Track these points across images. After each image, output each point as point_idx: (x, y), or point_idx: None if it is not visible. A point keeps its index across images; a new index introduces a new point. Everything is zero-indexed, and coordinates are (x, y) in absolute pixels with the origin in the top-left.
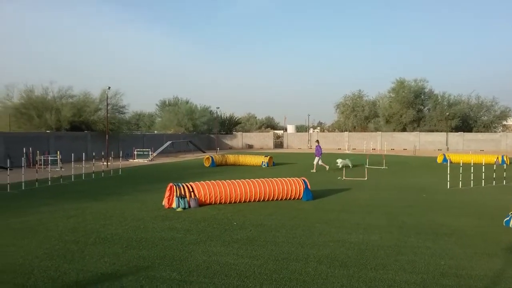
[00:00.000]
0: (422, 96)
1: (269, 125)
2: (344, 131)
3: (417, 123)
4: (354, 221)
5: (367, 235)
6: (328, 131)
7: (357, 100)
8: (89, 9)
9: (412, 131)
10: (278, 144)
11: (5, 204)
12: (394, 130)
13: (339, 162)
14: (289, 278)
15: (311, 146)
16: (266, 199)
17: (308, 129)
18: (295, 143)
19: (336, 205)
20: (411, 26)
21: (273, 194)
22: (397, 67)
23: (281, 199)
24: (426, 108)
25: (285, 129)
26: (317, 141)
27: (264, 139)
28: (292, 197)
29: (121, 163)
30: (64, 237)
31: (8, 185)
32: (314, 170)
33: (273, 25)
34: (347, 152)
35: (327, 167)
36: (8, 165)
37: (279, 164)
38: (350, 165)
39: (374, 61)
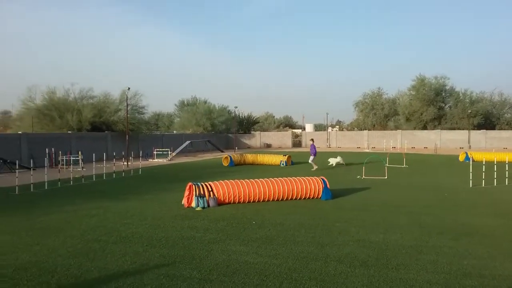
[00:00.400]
0: (443, 94)
1: (287, 124)
2: (363, 130)
3: (438, 121)
4: (374, 220)
5: (387, 234)
6: (347, 129)
7: (377, 98)
8: (109, 10)
9: (433, 129)
10: (297, 143)
11: (29, 204)
12: (414, 128)
13: (331, 160)
14: (309, 277)
15: (329, 145)
16: (284, 199)
17: (327, 128)
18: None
19: (356, 204)
20: (431, 21)
21: (292, 194)
22: (417, 64)
23: (300, 199)
24: (447, 106)
25: (304, 128)
26: (312, 140)
27: (283, 138)
28: (311, 196)
29: (141, 163)
30: (86, 235)
31: (32, 185)
32: (314, 169)
33: (292, 24)
34: (367, 150)
35: (316, 167)
36: (32, 165)
37: (298, 163)
38: (343, 163)
39: (393, 58)
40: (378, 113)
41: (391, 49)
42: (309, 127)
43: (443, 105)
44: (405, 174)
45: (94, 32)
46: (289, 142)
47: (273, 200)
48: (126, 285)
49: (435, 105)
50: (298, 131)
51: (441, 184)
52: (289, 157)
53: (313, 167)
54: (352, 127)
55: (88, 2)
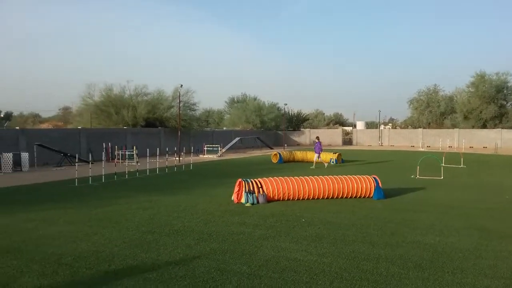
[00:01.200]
0: (505, 91)
1: (338, 121)
2: (418, 128)
3: (499, 119)
4: (429, 221)
5: (443, 237)
6: (401, 127)
7: (432, 95)
8: (160, 9)
9: (493, 128)
10: (347, 141)
11: (88, 196)
12: (473, 127)
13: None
14: (360, 277)
15: (381, 143)
16: (335, 197)
17: (379, 126)
18: (365, 140)
19: (410, 205)
20: (490, 15)
21: (343, 192)
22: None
23: (351, 197)
24: (509, 104)
25: (354, 126)
26: (317, 137)
27: (333, 136)
28: (363, 195)
29: (192, 158)
30: (141, 227)
31: (90, 178)
32: (314, 167)
33: (341, 21)
34: (421, 149)
35: (326, 164)
36: (90, 159)
37: (348, 161)
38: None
39: (450, 54)
40: (434, 110)
41: (448, 44)
42: (360, 125)
43: (505, 103)
44: (463, 174)
45: (147, 30)
46: (339, 140)
47: (322, 198)
48: (178, 277)
49: (495, 102)
50: (349, 128)
51: (502, 186)
52: (339, 155)
53: (324, 165)
54: (406, 125)
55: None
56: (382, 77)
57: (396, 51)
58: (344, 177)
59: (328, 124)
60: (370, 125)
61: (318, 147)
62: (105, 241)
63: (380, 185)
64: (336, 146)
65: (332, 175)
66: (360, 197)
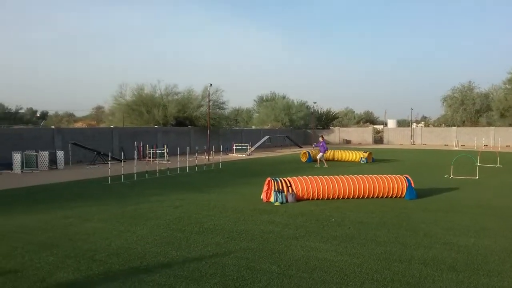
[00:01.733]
0: None
1: (368, 119)
2: (452, 126)
3: None
4: (463, 223)
5: (478, 238)
6: (434, 126)
7: (467, 92)
8: (188, 8)
9: None
10: (378, 139)
11: (120, 193)
12: (510, 125)
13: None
14: (392, 279)
15: (413, 141)
16: (365, 197)
17: (411, 124)
18: (397, 138)
19: (443, 205)
20: None
21: (373, 192)
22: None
23: (382, 197)
24: None
25: (385, 124)
26: (322, 136)
27: (363, 134)
28: (394, 195)
29: (221, 157)
30: (172, 225)
31: (122, 176)
32: (318, 165)
33: (370, 19)
34: (455, 148)
35: (326, 165)
36: (122, 158)
37: (379, 160)
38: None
39: (486, 50)
40: (469, 108)
41: (484, 40)
42: (391, 123)
43: None
44: (499, 174)
45: (176, 30)
46: (369, 139)
47: (353, 197)
48: (208, 275)
49: None
50: (380, 127)
51: None
52: (370, 153)
53: (324, 164)
54: (439, 123)
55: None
56: (415, 74)
57: (429, 47)
58: (375, 177)
59: (358, 123)
60: (401, 124)
61: (323, 146)
62: (137, 238)
63: (412, 184)
64: (366, 145)
65: (363, 175)
66: (391, 197)
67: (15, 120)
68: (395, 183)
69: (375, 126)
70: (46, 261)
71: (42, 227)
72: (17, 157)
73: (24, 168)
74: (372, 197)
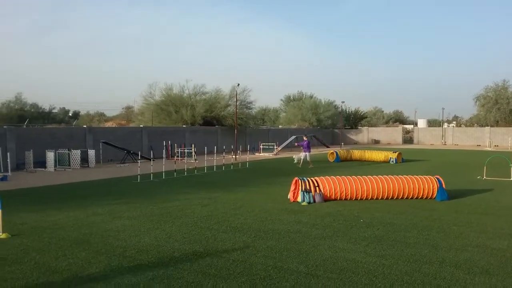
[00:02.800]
0: None
1: (398, 119)
2: (485, 126)
3: None
4: (497, 225)
5: None
6: (466, 126)
7: (501, 91)
8: (218, 9)
9: None
10: (408, 139)
11: (150, 191)
12: None
13: (295, 158)
14: (422, 281)
15: (445, 142)
16: (395, 197)
17: (442, 124)
18: (427, 138)
19: (476, 207)
20: None
21: (403, 192)
22: None
23: (412, 198)
24: None
25: (416, 124)
26: (306, 135)
27: (392, 134)
28: (424, 196)
29: (248, 157)
30: (200, 223)
31: (151, 174)
32: (312, 166)
33: (401, 16)
34: (488, 149)
35: (299, 164)
36: (151, 156)
37: (409, 160)
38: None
39: None
40: (503, 108)
41: None
42: (421, 123)
43: None
44: None
45: (204, 31)
46: (399, 138)
47: (382, 198)
48: (236, 274)
49: None
50: (410, 126)
51: None
52: (399, 154)
53: (298, 164)
54: (472, 123)
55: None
56: (446, 73)
57: (461, 45)
58: (404, 177)
59: (387, 122)
60: (432, 123)
61: (307, 146)
62: (166, 236)
63: (443, 185)
64: (396, 145)
65: (392, 175)
66: (422, 198)
67: (48, 120)
68: (425, 184)
69: (405, 125)
70: (79, 256)
71: (75, 223)
72: (50, 155)
73: (57, 166)
74: (402, 198)
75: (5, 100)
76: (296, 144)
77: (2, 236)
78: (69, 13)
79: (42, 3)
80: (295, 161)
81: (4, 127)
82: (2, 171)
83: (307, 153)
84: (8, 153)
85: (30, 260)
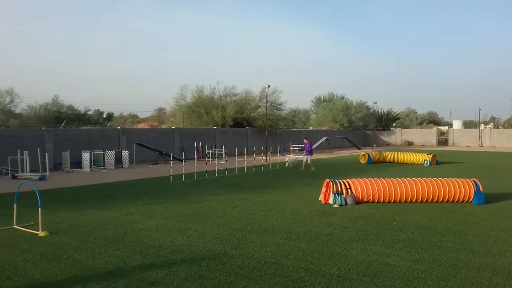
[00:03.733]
0: None
1: (432, 120)
2: None
3: None
4: None
5: None
6: (504, 127)
7: None
8: (249, 10)
9: None
10: (442, 141)
11: (181, 192)
12: None
13: (288, 161)
14: (459, 286)
15: (481, 143)
16: (429, 201)
17: (479, 125)
18: (463, 140)
19: None
20: None
21: (438, 195)
22: None
23: (447, 201)
24: None
25: (450, 125)
26: (305, 138)
27: (426, 136)
28: (460, 200)
29: (278, 158)
30: (231, 224)
31: (183, 175)
32: (313, 168)
33: (435, 14)
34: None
35: (313, 168)
36: (183, 158)
37: (444, 163)
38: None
39: None
40: None
41: None
42: (457, 124)
43: None
44: None
45: (235, 32)
46: (433, 140)
47: (415, 201)
48: (268, 275)
49: None
50: (444, 128)
51: None
52: (433, 156)
53: (311, 168)
54: (510, 124)
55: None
56: (482, 72)
57: (496, 44)
58: (440, 180)
59: (421, 124)
60: (468, 125)
61: (309, 148)
62: (198, 236)
63: (480, 189)
64: (430, 147)
65: (427, 177)
66: (457, 201)
67: (83, 121)
68: (461, 187)
69: (439, 127)
70: (114, 255)
71: (110, 222)
72: (86, 156)
73: (93, 166)
74: (437, 201)
75: (43, 102)
76: (298, 150)
77: (41, 234)
78: (103, 16)
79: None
80: (289, 165)
81: (43, 128)
82: (40, 171)
83: (308, 156)
84: (46, 154)
85: (68, 257)
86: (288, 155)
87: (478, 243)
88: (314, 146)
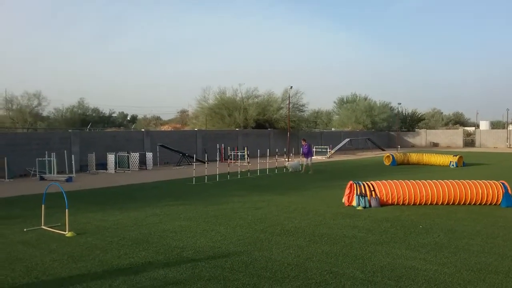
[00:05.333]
0: None
1: (458, 121)
2: None
3: None
4: None
5: None
6: None
7: None
8: (269, 11)
9: None
10: (469, 142)
11: (204, 194)
12: None
13: (288, 166)
14: None
15: (510, 144)
16: (455, 203)
17: (507, 125)
18: (490, 141)
19: None
20: None
21: (465, 198)
22: None
23: (474, 204)
24: None
25: (477, 126)
26: (304, 140)
27: (452, 137)
28: (488, 202)
29: (301, 160)
30: (254, 226)
31: (206, 177)
32: (311, 171)
33: (460, 12)
34: None
35: (303, 171)
36: (206, 159)
37: (470, 164)
38: (301, 169)
39: None
40: None
41: None
42: (484, 125)
43: None
44: None
45: (256, 34)
46: (459, 141)
47: (442, 204)
48: (291, 277)
49: None
50: (471, 129)
51: None
52: (460, 157)
53: (309, 170)
54: None
55: (249, 4)
56: (510, 71)
57: None
58: (466, 182)
59: (446, 124)
60: (495, 125)
61: (307, 151)
62: (221, 238)
63: (509, 191)
64: (456, 148)
65: (453, 179)
66: (485, 204)
67: (108, 123)
68: (489, 189)
69: (466, 128)
70: (139, 255)
71: (135, 223)
72: (111, 158)
73: (117, 168)
74: (464, 203)
75: (69, 105)
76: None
77: (68, 235)
78: (127, 22)
79: (102, 13)
80: (290, 170)
81: (69, 131)
82: (67, 172)
83: (308, 159)
84: (73, 156)
85: (94, 257)
86: (287, 160)
87: (507, 247)
88: (336, 148)
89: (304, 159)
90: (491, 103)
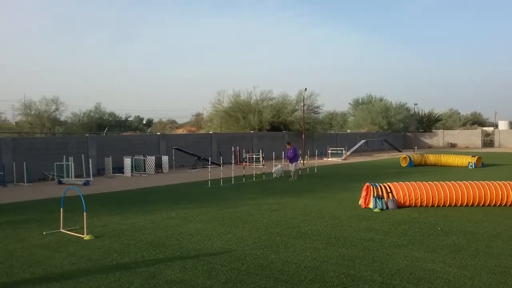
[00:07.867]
0: None
1: (476, 121)
2: None
3: None
4: None
5: None
6: None
7: None
8: (283, 14)
9: None
10: (487, 142)
11: (220, 196)
12: None
13: (275, 171)
14: None
15: None
16: (475, 205)
17: None
18: (509, 141)
19: None
20: None
21: (484, 199)
22: None
23: (494, 205)
24: None
25: (496, 126)
26: (289, 143)
27: (470, 137)
28: (508, 204)
29: (316, 162)
30: (270, 229)
31: (221, 179)
32: (294, 178)
33: (476, 11)
34: None
35: (293, 177)
36: (221, 162)
37: (490, 165)
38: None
39: None
40: None
41: None
42: (503, 125)
43: None
44: None
45: (270, 36)
46: (478, 142)
47: (460, 205)
48: (308, 280)
49: None
50: (490, 129)
51: None
52: (479, 158)
53: (293, 177)
54: None
55: (263, 7)
56: None
57: None
58: (485, 183)
59: (464, 125)
60: None
61: (292, 155)
62: (237, 240)
63: None
64: (474, 149)
65: (472, 180)
66: (505, 205)
67: (124, 127)
68: (509, 190)
69: (484, 128)
70: (156, 258)
71: (151, 226)
72: (127, 161)
73: (134, 171)
74: (483, 205)
75: (86, 110)
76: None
77: (86, 238)
78: (141, 27)
79: (117, 19)
80: (276, 176)
81: (86, 135)
82: (85, 176)
83: (293, 164)
84: (90, 160)
85: (112, 261)
86: (275, 164)
87: None
88: (352, 150)
89: (291, 164)
90: (510, 103)
